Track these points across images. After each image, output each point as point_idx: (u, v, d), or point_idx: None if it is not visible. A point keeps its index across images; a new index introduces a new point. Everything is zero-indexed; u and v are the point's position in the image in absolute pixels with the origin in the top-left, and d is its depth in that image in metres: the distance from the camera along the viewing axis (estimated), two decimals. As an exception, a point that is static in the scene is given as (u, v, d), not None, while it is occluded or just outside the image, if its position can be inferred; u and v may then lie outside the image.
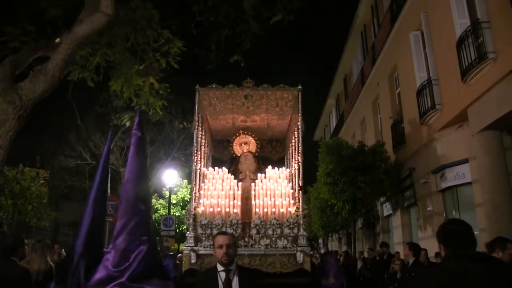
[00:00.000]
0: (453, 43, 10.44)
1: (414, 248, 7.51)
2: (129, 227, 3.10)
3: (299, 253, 7.85)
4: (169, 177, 21.77)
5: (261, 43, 11.92)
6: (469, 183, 10.90)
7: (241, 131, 10.80)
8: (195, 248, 7.90)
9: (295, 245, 7.97)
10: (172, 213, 22.43)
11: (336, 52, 26.12)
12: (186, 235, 8.26)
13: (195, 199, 8.72)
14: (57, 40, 8.41)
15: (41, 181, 21.58)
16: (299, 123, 8.98)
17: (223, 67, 9.45)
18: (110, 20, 8.17)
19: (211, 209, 8.28)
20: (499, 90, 8.95)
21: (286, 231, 8.01)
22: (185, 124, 24.67)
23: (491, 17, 9.29)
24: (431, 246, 11.89)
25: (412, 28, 13.77)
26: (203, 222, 8.08)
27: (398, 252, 12.39)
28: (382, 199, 15.72)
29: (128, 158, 3.43)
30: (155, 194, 28.74)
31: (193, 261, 7.77)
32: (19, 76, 8.36)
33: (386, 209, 16.91)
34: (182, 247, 9.25)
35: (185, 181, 27.08)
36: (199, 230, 8.13)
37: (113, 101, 16.33)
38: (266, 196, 8.57)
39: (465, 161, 10.96)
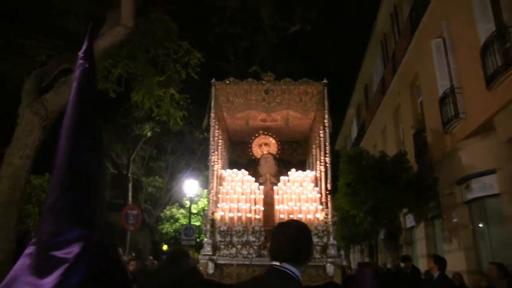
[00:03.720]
0: (477, 49, 10.21)
1: (440, 261, 7.28)
2: (56, 208, 1.96)
3: (329, 264, 7.12)
4: (190, 187, 21.84)
5: (277, 53, 11.84)
6: (497, 195, 10.57)
7: (261, 132, 10.22)
8: (213, 257, 7.27)
9: (324, 256, 7.27)
10: (192, 223, 22.45)
11: (356, 61, 25.95)
12: (203, 242, 7.67)
13: (212, 203, 8.19)
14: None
15: (65, 189, 21.77)
16: (325, 120, 8.34)
17: (242, 76, 9.18)
18: (130, 33, 8.27)
19: (231, 214, 7.66)
20: (527, 98, 8.72)
21: (315, 240, 7.17)
22: (206, 134, 24.71)
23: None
24: (457, 260, 11.60)
25: (433, 36, 13.58)
26: (222, 229, 7.47)
27: (458, 274, 9.73)
28: (404, 210, 15.45)
29: (70, 102, 2.18)
30: (176, 204, 28.85)
31: (210, 271, 7.08)
32: (44, 88, 8.54)
33: (409, 221, 16.60)
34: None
35: (205, 191, 27.08)
36: (218, 237, 7.52)
37: (134, 111, 16.46)
38: (291, 201, 7.91)
39: (491, 171, 10.65)
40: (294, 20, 10.93)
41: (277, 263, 2.24)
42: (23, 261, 1.90)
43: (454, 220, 12.34)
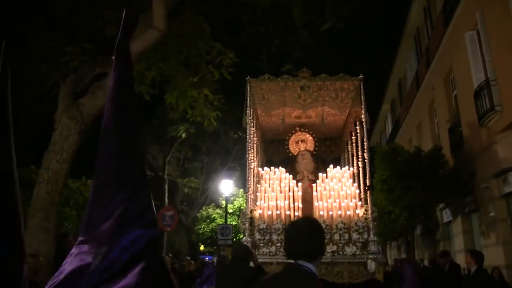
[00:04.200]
0: (512, 41, 10.06)
1: (477, 255, 7.23)
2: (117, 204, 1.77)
3: (370, 261, 7.13)
4: (225, 186, 22.01)
5: (310, 51, 11.85)
6: (535, 187, 10.40)
7: (297, 128, 10.16)
8: None
9: (365, 252, 7.28)
10: (228, 223, 22.66)
11: (389, 56, 25.70)
12: (242, 240, 7.69)
13: (250, 202, 8.13)
14: (113, 57, 8.74)
15: (104, 192, 22.32)
16: (362, 116, 8.29)
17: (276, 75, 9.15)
18: (163, 36, 8.43)
19: (270, 212, 7.67)
20: None
21: (355, 236, 7.34)
22: (240, 134, 24.95)
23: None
24: (495, 254, 11.43)
25: (467, 28, 13.37)
26: (261, 227, 7.52)
27: (497, 268, 9.24)
28: (441, 205, 15.26)
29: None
30: (212, 204, 29.14)
31: None
32: (79, 92, 8.77)
33: (446, 216, 16.38)
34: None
35: (241, 190, 27.30)
36: (257, 236, 7.54)
37: (169, 113, 16.76)
38: (330, 198, 7.87)
39: (529, 163, 10.49)
40: (326, 18, 10.93)
41: (293, 261, 2.37)
42: (72, 262, 1.74)
43: (492, 214, 12.15)
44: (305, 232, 2.42)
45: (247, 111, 8.63)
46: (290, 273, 2.37)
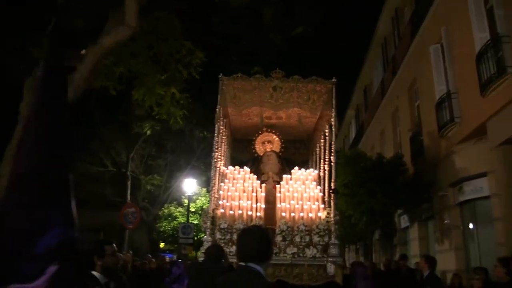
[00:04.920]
0: (473, 56, 10.43)
1: (430, 260, 7.50)
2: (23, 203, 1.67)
3: (329, 264, 7.15)
4: (189, 185, 21.97)
5: (280, 54, 11.94)
6: (487, 197, 10.80)
7: (264, 129, 10.11)
8: None
9: (325, 255, 7.29)
10: (190, 221, 22.62)
11: (357, 63, 26.19)
12: (203, 240, 7.60)
13: (214, 201, 8.05)
14: (83, 51, 8.68)
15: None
16: (332, 119, 8.31)
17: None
18: (134, 32, 8.40)
19: (232, 212, 7.61)
20: (519, 105, 8.93)
21: (316, 239, 7.32)
22: (205, 133, 24.90)
23: (511, 32, 9.29)
24: (448, 260, 11.85)
25: (432, 41, 13.78)
26: (222, 226, 7.44)
27: (482, 268, 8.49)
28: (399, 211, 15.66)
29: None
30: (174, 202, 28.99)
31: None
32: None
33: (404, 221, 16.82)
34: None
35: (204, 189, 27.25)
36: (218, 235, 7.47)
37: (135, 109, 16.58)
38: (293, 199, 7.84)
39: (483, 174, 10.88)
40: (297, 22, 11.04)
41: (243, 263, 2.67)
42: None
43: (446, 221, 12.58)
44: (256, 237, 2.71)
45: (217, 109, 8.56)
46: (241, 274, 2.66)
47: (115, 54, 10.15)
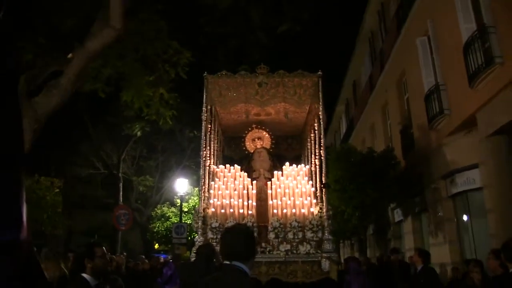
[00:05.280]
0: (460, 48, 10.45)
1: (423, 254, 7.53)
2: None
3: (324, 260, 7.02)
4: (180, 185, 21.90)
5: (267, 52, 11.87)
6: (480, 189, 10.84)
7: (254, 126, 10.03)
8: None
9: (319, 251, 7.16)
10: (183, 221, 22.57)
11: (345, 58, 26.19)
12: (195, 240, 7.49)
13: (204, 199, 7.98)
14: (70, 55, 8.60)
15: (56, 190, 21.82)
16: (320, 113, 8.22)
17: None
18: (119, 35, 8.34)
19: (223, 211, 7.52)
20: (507, 95, 8.94)
21: (309, 234, 7.19)
22: (195, 132, 24.79)
23: (497, 22, 9.30)
24: (442, 253, 11.89)
25: (419, 34, 13.81)
26: (213, 225, 7.34)
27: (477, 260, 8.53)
28: (392, 205, 15.70)
29: None
30: (167, 202, 28.93)
31: None
32: (33, 90, 8.58)
33: (397, 215, 16.88)
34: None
35: (196, 189, 27.18)
36: (209, 234, 7.38)
37: (124, 111, 16.50)
38: (284, 196, 7.73)
39: (474, 166, 10.93)
40: (284, 20, 11.01)
41: (228, 262, 2.70)
42: None
43: (440, 214, 12.63)
44: (239, 237, 2.74)
45: (204, 107, 8.42)
46: (226, 272, 2.71)
47: (102, 55, 10.08)
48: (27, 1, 8.82)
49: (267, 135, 10.08)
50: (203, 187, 8.17)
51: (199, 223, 7.54)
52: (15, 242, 1.55)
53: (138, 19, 10.23)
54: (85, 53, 8.30)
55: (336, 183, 13.63)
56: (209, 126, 8.63)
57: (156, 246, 31.35)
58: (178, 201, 23.73)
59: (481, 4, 10.01)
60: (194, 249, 7.35)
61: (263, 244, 7.38)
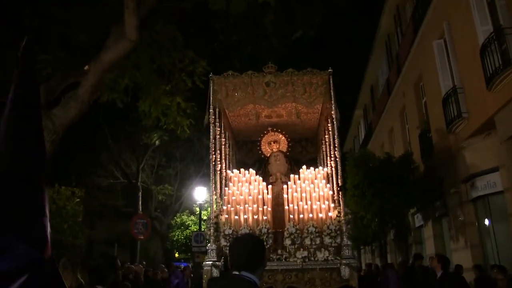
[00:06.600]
0: (477, 50, 10.32)
1: (443, 260, 7.41)
2: None
3: (343, 266, 6.68)
4: (199, 193, 21.98)
5: (282, 58, 11.85)
6: (501, 192, 10.66)
7: (269, 129, 9.72)
8: (217, 263, 6.87)
9: (338, 258, 6.88)
10: (203, 229, 22.60)
11: (362, 62, 26.04)
12: (207, 248, 7.22)
13: (217, 206, 7.74)
14: (86, 67, 8.73)
15: (77, 200, 22.04)
16: (332, 112, 7.86)
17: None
18: (135, 46, 8.44)
19: (236, 217, 7.28)
20: (526, 97, 8.82)
21: (327, 240, 6.91)
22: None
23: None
24: (464, 258, 11.69)
25: (435, 37, 13.69)
26: (227, 232, 7.10)
27: (500, 266, 9.09)
28: (412, 210, 15.52)
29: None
30: (186, 211, 29.01)
31: None
32: (51, 102, 8.71)
33: (418, 220, 16.69)
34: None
35: (215, 197, 27.23)
36: (222, 242, 7.15)
37: (142, 120, 16.66)
38: (301, 200, 7.46)
39: (495, 169, 10.76)
40: (297, 26, 11.03)
41: (237, 272, 2.63)
42: None
43: (460, 218, 12.43)
44: (248, 246, 2.69)
45: (210, 110, 8.11)
46: (234, 283, 2.65)
47: (119, 66, 10.20)
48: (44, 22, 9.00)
49: (283, 138, 9.83)
50: (213, 192, 7.93)
51: (212, 231, 7.29)
52: (41, 261, 1.57)
53: (153, 30, 10.34)
54: (101, 65, 8.43)
55: (355, 189, 13.55)
56: (218, 129, 8.31)
57: (176, 254, 31.44)
58: (197, 209, 23.79)
59: (497, 5, 9.90)
60: (206, 257, 7.18)
61: (279, 251, 7.17)
